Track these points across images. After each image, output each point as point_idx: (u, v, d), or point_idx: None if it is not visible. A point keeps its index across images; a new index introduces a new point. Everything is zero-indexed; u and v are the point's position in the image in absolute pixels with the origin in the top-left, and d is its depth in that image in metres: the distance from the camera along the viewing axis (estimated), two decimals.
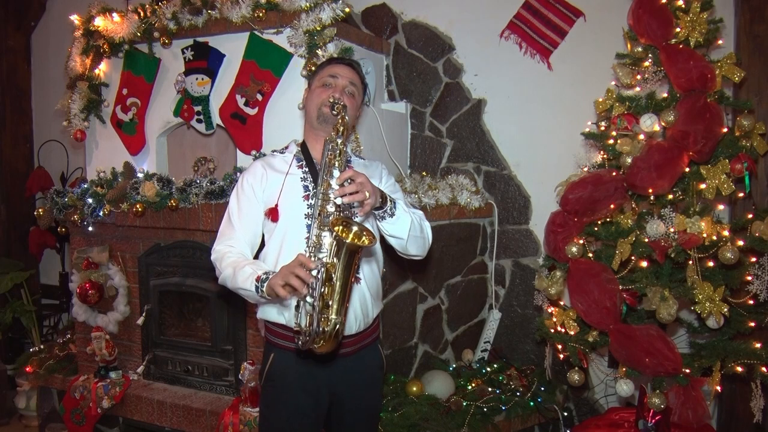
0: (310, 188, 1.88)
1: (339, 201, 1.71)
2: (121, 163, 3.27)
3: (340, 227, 1.64)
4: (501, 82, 3.48)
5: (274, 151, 2.06)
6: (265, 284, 1.70)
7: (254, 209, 1.92)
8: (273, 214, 1.87)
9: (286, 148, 2.04)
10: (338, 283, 1.64)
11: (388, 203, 1.81)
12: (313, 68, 2.61)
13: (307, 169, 1.92)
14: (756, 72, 2.86)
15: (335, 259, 1.64)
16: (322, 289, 1.62)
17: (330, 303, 1.63)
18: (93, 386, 3.10)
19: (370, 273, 1.95)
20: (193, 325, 3.15)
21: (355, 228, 1.65)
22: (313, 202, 1.82)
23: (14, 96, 4.83)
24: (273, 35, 2.85)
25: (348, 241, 1.61)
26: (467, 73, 3.57)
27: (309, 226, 1.81)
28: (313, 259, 1.69)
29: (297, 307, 1.70)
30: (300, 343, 1.68)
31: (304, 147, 1.98)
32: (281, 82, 2.83)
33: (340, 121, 1.80)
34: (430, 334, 3.19)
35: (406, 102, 3.66)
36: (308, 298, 1.65)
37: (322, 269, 1.64)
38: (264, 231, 1.94)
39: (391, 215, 1.82)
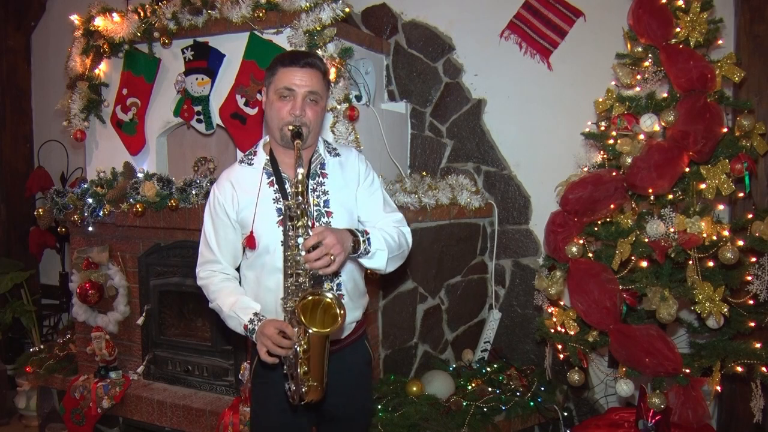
0: (284, 211, 1.80)
1: (308, 267, 1.67)
2: (121, 163, 3.27)
3: (308, 308, 1.67)
4: (501, 82, 3.48)
5: (241, 160, 1.93)
6: (254, 335, 1.77)
7: (230, 232, 1.89)
8: (250, 242, 1.83)
9: (255, 154, 1.92)
10: (313, 359, 1.69)
11: (362, 245, 1.76)
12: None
13: (278, 187, 1.84)
14: (756, 72, 2.86)
15: (307, 341, 1.66)
16: (299, 362, 1.69)
17: (307, 370, 1.69)
18: (93, 386, 3.10)
19: (350, 281, 1.91)
20: (193, 325, 3.15)
21: (326, 299, 1.68)
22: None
23: (14, 96, 4.83)
24: (273, 35, 2.85)
25: (312, 331, 1.64)
26: (467, 73, 3.57)
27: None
28: (291, 320, 1.72)
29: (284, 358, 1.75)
30: (289, 395, 1.76)
31: (272, 158, 1.87)
32: None
33: (296, 183, 1.68)
34: (430, 334, 3.19)
35: (406, 102, 3.66)
36: (289, 358, 1.72)
37: (297, 348, 1.68)
38: (243, 248, 1.91)
39: (366, 253, 1.79)
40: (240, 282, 1.96)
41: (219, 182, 1.91)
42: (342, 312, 1.65)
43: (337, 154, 1.94)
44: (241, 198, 1.85)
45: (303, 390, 1.71)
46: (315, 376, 1.71)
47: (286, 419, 1.91)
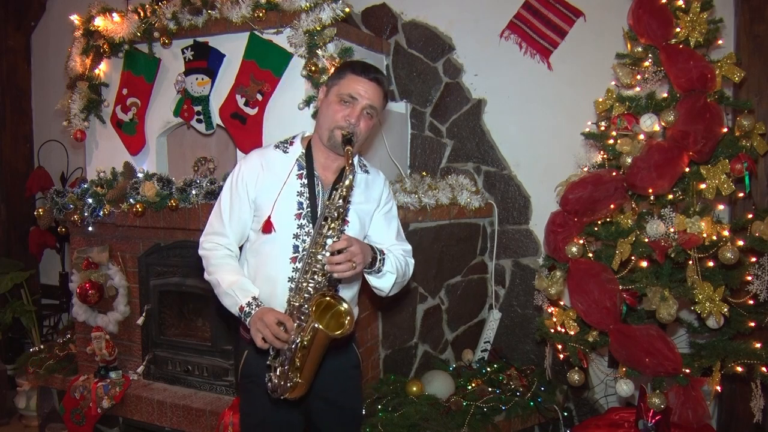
0: (304, 206, 1.84)
1: (328, 269, 1.72)
2: (121, 163, 3.27)
3: (321, 307, 1.70)
4: (501, 82, 3.48)
5: (277, 146, 1.95)
6: (248, 319, 1.77)
7: (245, 210, 1.90)
8: (266, 227, 1.84)
9: (291, 144, 1.94)
10: (309, 357, 1.70)
11: (377, 263, 1.83)
12: (313, 67, 2.62)
13: (305, 182, 1.86)
14: (756, 72, 2.86)
15: (310, 336, 1.68)
16: (294, 354, 1.69)
17: (299, 366, 1.70)
18: (93, 386, 3.10)
19: (349, 291, 1.95)
20: (193, 325, 3.15)
21: (338, 308, 1.72)
22: (303, 223, 1.83)
23: (14, 96, 4.83)
24: (273, 35, 2.85)
25: (320, 327, 1.66)
26: (467, 73, 3.57)
27: (296, 247, 1.83)
28: (293, 315, 1.72)
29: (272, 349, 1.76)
30: (270, 388, 1.75)
31: (308, 153, 1.90)
32: (281, 82, 2.83)
33: (343, 183, 1.72)
34: (430, 334, 3.19)
35: (406, 102, 3.66)
36: (283, 350, 1.72)
37: (297, 341, 1.69)
38: (252, 226, 1.92)
39: (378, 272, 1.85)
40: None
41: (249, 158, 1.92)
42: (350, 319, 1.69)
43: (367, 172, 2.00)
44: (266, 179, 1.87)
45: (288, 385, 1.71)
46: (305, 375, 1.72)
47: (276, 419, 1.91)
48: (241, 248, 1.98)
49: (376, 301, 2.85)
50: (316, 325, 1.65)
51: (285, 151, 1.92)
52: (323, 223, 1.74)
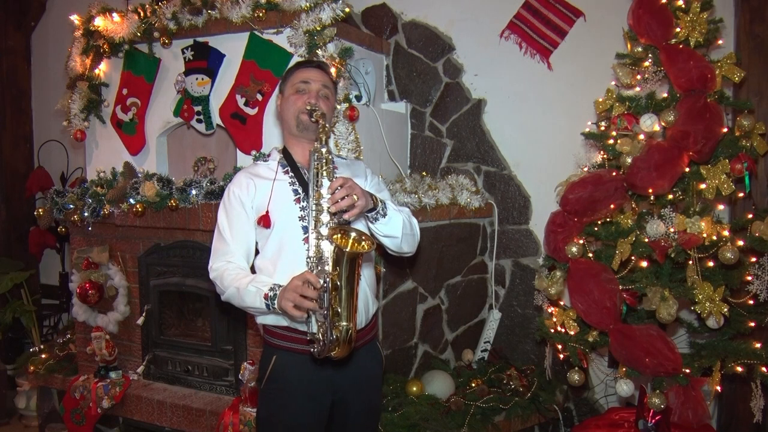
0: (300, 192, 1.90)
1: (333, 209, 1.73)
2: (121, 163, 3.26)
3: (339, 236, 1.69)
4: (501, 82, 3.48)
5: (256, 163, 2.06)
6: (275, 302, 1.75)
7: (244, 221, 1.91)
8: (265, 220, 1.87)
9: (269, 155, 2.05)
10: (344, 291, 1.69)
11: (379, 205, 1.85)
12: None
13: (293, 174, 1.93)
14: (756, 72, 2.86)
15: (338, 268, 1.68)
16: (330, 300, 1.68)
17: (339, 311, 1.68)
18: (93, 386, 3.10)
19: (368, 270, 1.98)
20: (193, 325, 3.16)
21: (353, 234, 1.69)
22: (305, 205, 1.87)
23: (14, 96, 4.83)
24: (273, 35, 2.85)
25: (347, 249, 1.66)
26: (467, 73, 3.57)
27: (305, 228, 1.85)
28: (316, 270, 1.73)
29: (308, 316, 1.74)
30: (316, 352, 1.73)
31: (286, 153, 1.98)
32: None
33: (321, 129, 1.82)
34: (430, 334, 3.19)
35: (406, 102, 3.66)
36: (319, 309, 1.70)
37: (328, 279, 1.68)
38: (257, 239, 1.94)
39: (384, 215, 1.86)
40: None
41: (235, 178, 2.00)
42: (368, 239, 1.69)
43: (343, 158, 2.07)
44: (258, 183, 1.92)
45: (333, 339, 1.68)
46: (346, 315, 1.68)
47: (299, 426, 1.90)
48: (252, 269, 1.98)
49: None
50: (345, 250, 1.63)
51: (265, 161, 2.02)
52: (315, 168, 1.78)
